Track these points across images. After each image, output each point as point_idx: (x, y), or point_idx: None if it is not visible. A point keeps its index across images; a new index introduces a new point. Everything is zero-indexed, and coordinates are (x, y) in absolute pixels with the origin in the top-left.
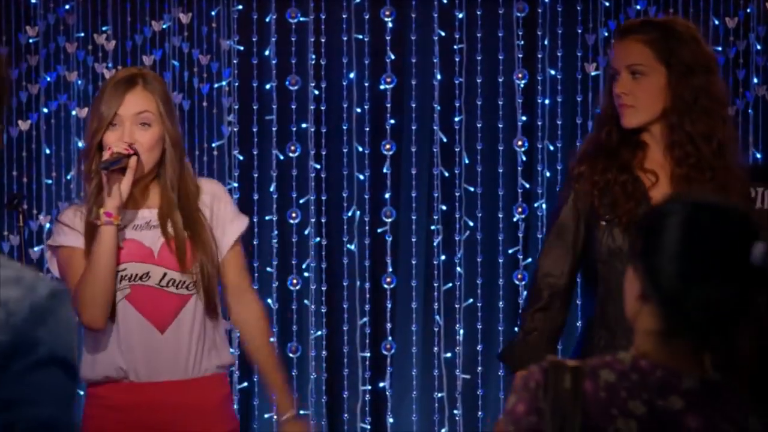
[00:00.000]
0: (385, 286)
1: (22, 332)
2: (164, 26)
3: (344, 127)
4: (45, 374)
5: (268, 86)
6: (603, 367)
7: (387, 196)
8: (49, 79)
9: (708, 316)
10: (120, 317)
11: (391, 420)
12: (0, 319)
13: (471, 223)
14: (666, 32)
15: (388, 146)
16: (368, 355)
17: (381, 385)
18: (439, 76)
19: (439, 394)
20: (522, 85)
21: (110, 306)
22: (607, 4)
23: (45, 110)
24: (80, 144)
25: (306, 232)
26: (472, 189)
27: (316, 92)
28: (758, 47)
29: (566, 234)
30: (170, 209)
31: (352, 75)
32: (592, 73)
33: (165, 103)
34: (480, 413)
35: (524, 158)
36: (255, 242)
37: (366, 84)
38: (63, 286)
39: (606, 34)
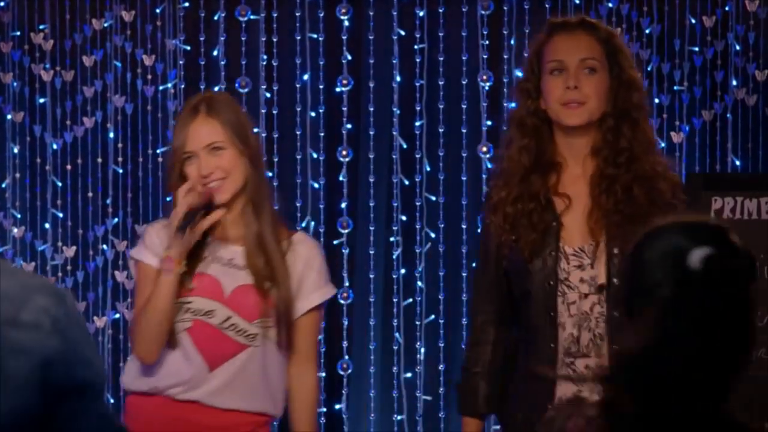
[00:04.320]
0: (341, 301)
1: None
2: (105, 24)
3: (297, 133)
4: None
5: (216, 89)
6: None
7: (343, 205)
8: None
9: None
10: (178, 345)
11: None
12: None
13: (433, 235)
14: (611, 36)
15: (344, 153)
16: (323, 375)
17: (337, 407)
18: (398, 78)
19: (399, 417)
20: (487, 88)
21: (162, 344)
22: (577, 1)
23: None
24: (15, 150)
25: None
26: (433, 198)
27: (268, 95)
28: (737, 47)
29: (490, 266)
30: (255, 251)
31: (305, 77)
32: None
33: (231, 123)
34: None
35: (489, 165)
36: None
37: (321, 86)
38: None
39: None
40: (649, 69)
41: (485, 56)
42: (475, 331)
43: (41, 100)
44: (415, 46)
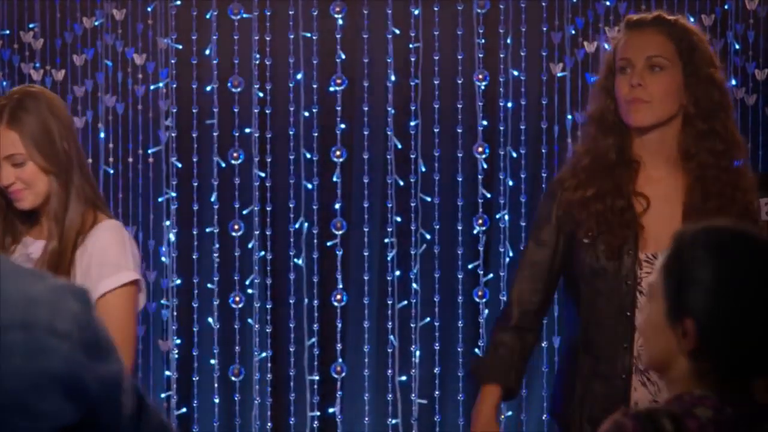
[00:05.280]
0: (335, 303)
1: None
2: (96, 23)
3: (291, 132)
4: None
5: (208, 88)
6: (694, 406)
7: (337, 206)
8: None
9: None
10: None
11: None
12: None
13: (428, 236)
14: (686, 33)
15: (338, 153)
16: (317, 378)
17: (330, 410)
18: (393, 78)
19: (394, 421)
20: (483, 87)
21: None
22: (574, 0)
23: None
24: None
25: (249, 246)
26: (428, 199)
27: (261, 95)
28: (737, 47)
29: (544, 252)
30: (48, 248)
31: (299, 76)
32: (558, 74)
33: (33, 136)
34: None
35: (485, 166)
36: (195, 256)
37: (314, 86)
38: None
39: (573, 32)
40: None
41: (481, 55)
42: (511, 318)
43: None
44: (410, 45)
